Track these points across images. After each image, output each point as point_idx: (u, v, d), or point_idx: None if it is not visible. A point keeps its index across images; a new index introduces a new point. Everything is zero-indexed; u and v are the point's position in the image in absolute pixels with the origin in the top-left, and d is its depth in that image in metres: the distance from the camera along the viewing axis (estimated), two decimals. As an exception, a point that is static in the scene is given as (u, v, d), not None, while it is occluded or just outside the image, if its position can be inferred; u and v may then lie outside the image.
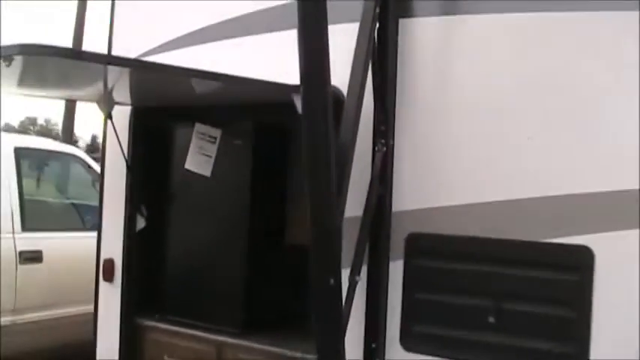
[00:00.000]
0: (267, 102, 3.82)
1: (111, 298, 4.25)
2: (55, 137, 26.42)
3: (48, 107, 64.20)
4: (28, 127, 45.90)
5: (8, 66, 2.53)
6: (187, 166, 4.09)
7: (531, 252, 3.00)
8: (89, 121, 44.09)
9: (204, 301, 4.06)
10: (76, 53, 2.90)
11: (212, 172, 4.00)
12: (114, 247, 4.25)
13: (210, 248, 4.06)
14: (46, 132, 41.10)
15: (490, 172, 3.11)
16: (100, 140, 4.67)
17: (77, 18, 20.89)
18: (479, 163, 3.13)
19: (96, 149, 24.80)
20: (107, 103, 3.91)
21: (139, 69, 3.24)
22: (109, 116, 3.94)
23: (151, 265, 4.22)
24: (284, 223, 4.14)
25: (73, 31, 20.07)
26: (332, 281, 2.89)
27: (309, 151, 2.83)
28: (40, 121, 49.94)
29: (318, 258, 2.92)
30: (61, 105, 26.41)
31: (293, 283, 4.29)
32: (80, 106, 21.58)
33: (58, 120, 44.68)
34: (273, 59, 3.68)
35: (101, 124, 4.28)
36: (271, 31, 3.75)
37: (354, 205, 3.22)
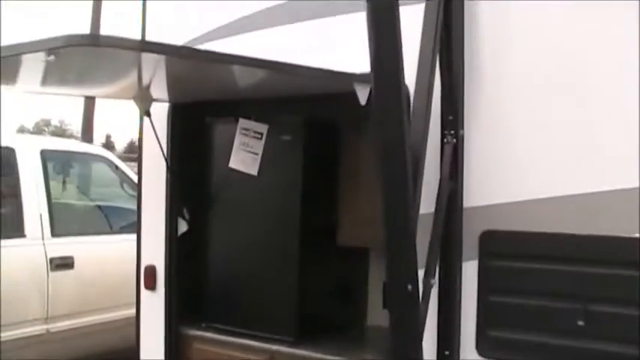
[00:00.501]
0: (317, 94, 3.57)
1: (153, 306, 4.01)
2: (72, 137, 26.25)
3: (61, 107, 63.66)
4: (42, 128, 45.79)
5: (52, 60, 2.29)
6: (232, 164, 3.84)
7: (623, 249, 2.73)
8: (110, 119, 44.04)
9: (253, 308, 3.82)
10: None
11: (259, 171, 3.75)
12: (155, 253, 4.01)
13: (258, 252, 3.80)
14: (60, 133, 40.96)
15: (571, 162, 2.85)
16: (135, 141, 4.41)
17: (93, 18, 20.68)
18: (558, 153, 2.87)
19: (132, 150, 24.57)
20: (145, 100, 3.66)
21: (182, 57, 2.95)
22: (147, 114, 3.69)
23: (194, 271, 3.98)
24: (335, 224, 3.88)
25: (90, 30, 19.83)
26: (409, 287, 2.64)
27: (384, 147, 2.58)
28: (54, 122, 49.84)
29: (394, 262, 2.67)
30: (76, 104, 26.24)
31: (345, 288, 4.06)
32: (100, 105, 21.34)
33: (71, 120, 44.76)
34: (324, 46, 3.43)
35: (135, 124, 4.04)
36: (320, 17, 3.50)
37: (423, 202, 2.97)
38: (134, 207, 6.06)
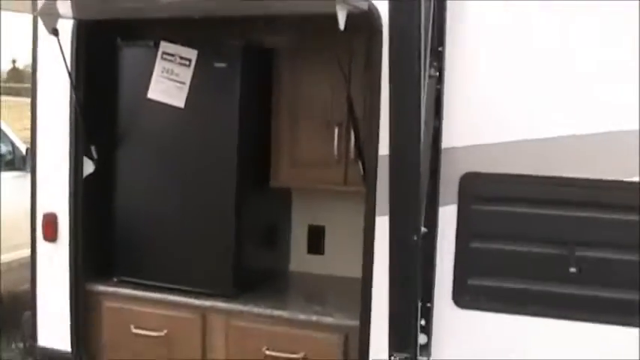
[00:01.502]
0: (253, 16, 3.15)
1: (54, 260, 3.42)
2: None
3: None
4: None
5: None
6: (151, 95, 3.30)
7: (614, 192, 2.62)
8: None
9: (178, 260, 3.36)
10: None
11: (185, 103, 3.25)
12: (54, 199, 3.40)
13: (183, 196, 3.33)
14: None
15: (555, 104, 2.67)
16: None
17: None
18: (551, 91, 2.68)
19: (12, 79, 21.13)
20: (51, 14, 3.01)
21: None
22: (54, 31, 3.04)
23: (103, 219, 3.43)
24: (271, 163, 3.49)
25: None
26: (415, 237, 2.35)
27: (397, 82, 2.24)
28: None
29: (400, 212, 2.36)
30: None
31: (272, 233, 3.72)
32: None
33: None
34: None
35: (26, 45, 3.35)
36: None
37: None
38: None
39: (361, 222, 3.52)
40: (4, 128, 5.39)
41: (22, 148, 5.36)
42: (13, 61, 22.89)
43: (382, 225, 2.86)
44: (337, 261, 3.76)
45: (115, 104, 3.39)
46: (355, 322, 2.99)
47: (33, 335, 3.50)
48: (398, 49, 2.27)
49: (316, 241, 3.81)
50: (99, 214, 3.44)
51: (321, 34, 3.25)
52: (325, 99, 3.34)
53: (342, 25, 2.63)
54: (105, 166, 3.42)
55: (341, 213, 3.74)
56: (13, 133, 5.38)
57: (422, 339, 2.77)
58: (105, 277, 3.47)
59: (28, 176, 5.29)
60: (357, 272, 3.57)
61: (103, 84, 3.39)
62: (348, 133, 3.30)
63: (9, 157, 5.31)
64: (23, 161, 5.31)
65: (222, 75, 3.20)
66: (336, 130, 3.31)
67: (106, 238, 3.45)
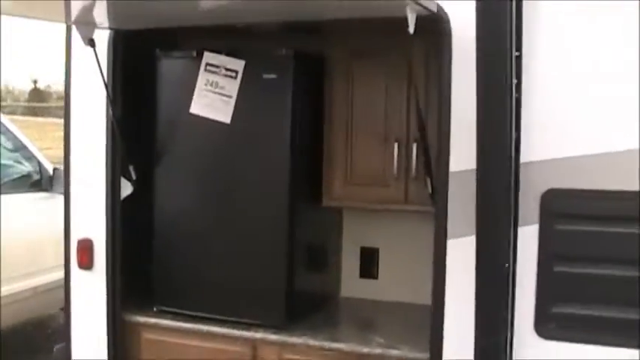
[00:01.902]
0: (303, 23, 2.90)
1: (89, 289, 3.16)
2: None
3: None
4: None
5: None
6: (194, 110, 3.05)
7: None
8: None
9: (224, 288, 3.09)
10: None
11: (232, 117, 3.00)
12: (91, 224, 3.15)
13: (230, 218, 3.06)
14: None
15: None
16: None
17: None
18: (632, 101, 2.40)
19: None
20: (87, 24, 2.78)
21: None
22: (90, 42, 2.81)
23: (143, 245, 3.18)
24: (320, 181, 3.23)
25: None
26: (506, 265, 2.08)
27: (486, 86, 1.98)
28: None
29: (491, 238, 2.09)
30: None
31: (323, 255, 3.45)
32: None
33: None
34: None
35: (62, 56, 3.12)
36: None
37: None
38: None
39: (419, 244, 3.33)
40: (31, 147, 5.16)
41: (49, 167, 5.14)
42: (35, 82, 22.81)
43: (455, 249, 2.61)
44: (392, 286, 3.49)
45: (153, 120, 3.14)
46: (424, 355, 2.72)
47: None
48: (487, 54, 2.03)
49: (369, 264, 3.54)
50: (137, 238, 3.18)
51: (378, 40, 3.05)
52: (382, 111, 3.10)
53: (411, 29, 2.37)
54: (143, 186, 3.17)
55: (396, 234, 3.47)
56: (40, 152, 5.16)
57: (502, 374, 2.50)
58: (144, 306, 3.21)
59: (56, 197, 5.15)
60: (413, 298, 3.33)
61: (140, 98, 3.16)
62: (408, 149, 3.05)
63: (35, 177, 5.08)
64: (50, 182, 5.08)
65: (271, 87, 2.95)
66: (396, 146, 3.05)
67: (144, 265, 3.19)
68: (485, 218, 2.13)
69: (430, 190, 2.76)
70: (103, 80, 2.92)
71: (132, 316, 3.19)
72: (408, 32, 3.02)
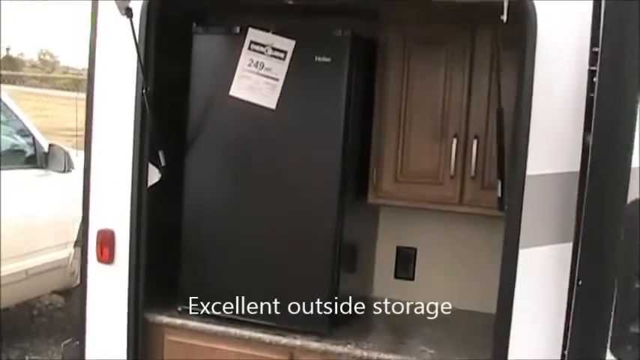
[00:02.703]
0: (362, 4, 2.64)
1: (109, 286, 2.87)
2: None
3: None
4: None
5: None
6: (234, 92, 2.77)
7: None
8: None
9: (259, 289, 2.81)
10: None
11: (278, 103, 2.72)
12: (111, 213, 2.85)
13: (270, 214, 2.79)
14: None
15: None
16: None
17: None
18: None
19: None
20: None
21: None
22: (127, 12, 2.50)
23: (169, 238, 2.90)
24: (366, 176, 2.98)
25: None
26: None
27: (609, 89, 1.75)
28: None
29: (596, 246, 1.87)
30: None
31: (357, 254, 3.21)
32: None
33: None
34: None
35: (87, 27, 2.80)
36: None
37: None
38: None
39: (457, 244, 3.21)
40: (24, 120, 4.79)
41: (44, 144, 4.78)
42: (7, 49, 22.10)
43: (527, 259, 2.39)
44: (427, 288, 3.27)
45: (186, 102, 2.84)
46: (482, 369, 2.51)
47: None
48: (613, 50, 1.79)
49: (405, 264, 3.31)
50: (162, 231, 2.90)
51: (438, 27, 2.82)
52: (439, 104, 2.85)
53: (505, 17, 2.13)
54: (172, 175, 2.88)
55: (435, 234, 3.25)
56: (34, 126, 4.79)
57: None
58: (167, 306, 2.94)
59: (51, 175, 4.82)
60: (449, 302, 3.11)
61: (173, 77, 2.85)
62: (467, 146, 2.82)
63: (30, 152, 4.72)
64: (45, 158, 4.72)
65: (325, 71, 2.67)
66: (455, 142, 2.81)
67: (169, 261, 2.91)
68: (591, 225, 1.92)
69: (500, 194, 2.53)
70: (138, 55, 2.62)
71: (155, 315, 2.90)
72: (469, 21, 2.80)
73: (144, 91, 2.69)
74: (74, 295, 5.00)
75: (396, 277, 3.33)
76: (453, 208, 2.89)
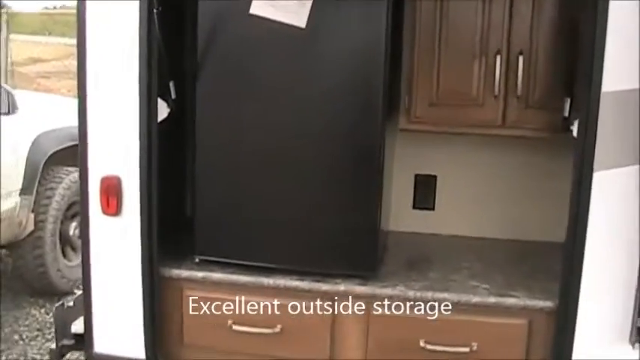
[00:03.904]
0: None
1: (117, 240, 2.50)
2: None
3: None
4: None
5: None
6: (255, 10, 2.39)
7: None
8: None
9: (290, 231, 2.52)
10: None
11: (308, 21, 2.38)
12: (115, 158, 2.45)
13: (303, 145, 2.47)
14: None
15: None
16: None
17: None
18: None
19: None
20: None
21: None
22: None
23: (180, 181, 2.54)
24: (398, 99, 2.71)
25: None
26: None
27: None
28: None
29: None
30: None
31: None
32: None
33: None
34: None
35: None
36: None
37: None
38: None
39: (482, 171, 3.03)
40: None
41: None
42: None
43: (602, 181, 2.22)
44: (448, 218, 3.08)
45: (194, 20, 2.45)
46: (549, 304, 2.36)
47: (87, 337, 2.60)
48: None
49: (424, 193, 3.09)
50: (173, 171, 2.54)
51: None
52: (479, 19, 2.60)
53: None
54: (182, 108, 2.51)
55: (454, 160, 3.04)
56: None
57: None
58: (182, 257, 2.61)
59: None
60: (473, 231, 3.03)
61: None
62: (508, 63, 2.59)
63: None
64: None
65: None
66: (498, 59, 2.57)
67: (182, 204, 2.57)
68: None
69: (567, 113, 2.33)
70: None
71: (171, 270, 2.57)
72: None
73: (156, 10, 2.28)
74: (23, 247, 4.54)
75: (414, 207, 3.11)
76: (495, 131, 2.67)
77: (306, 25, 2.37)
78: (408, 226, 3.10)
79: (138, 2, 2.31)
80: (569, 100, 2.31)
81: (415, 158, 3.06)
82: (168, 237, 2.58)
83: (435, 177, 3.08)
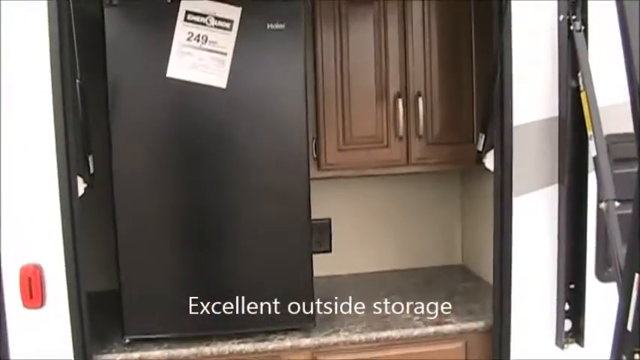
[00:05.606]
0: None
1: (41, 334, 2.24)
2: None
3: None
4: None
5: None
6: (172, 73, 2.31)
7: None
8: None
9: (228, 292, 2.43)
10: None
11: (228, 81, 2.34)
12: (38, 243, 2.21)
13: (231, 205, 2.42)
14: None
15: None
16: None
17: None
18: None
19: None
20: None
21: None
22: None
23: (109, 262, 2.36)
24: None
25: None
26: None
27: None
28: None
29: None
30: None
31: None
32: None
33: None
34: None
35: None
36: None
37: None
38: None
39: (372, 212, 3.19)
40: None
41: None
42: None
43: (520, 206, 2.44)
44: (346, 258, 3.17)
45: (115, 89, 2.30)
46: (476, 325, 2.55)
47: None
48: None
49: (320, 238, 3.13)
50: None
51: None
52: (378, 63, 2.74)
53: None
54: (104, 183, 2.34)
55: (347, 202, 3.15)
56: None
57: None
58: (111, 335, 2.42)
59: None
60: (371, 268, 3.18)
61: (95, 61, 2.29)
62: (408, 106, 2.75)
63: None
64: None
65: (279, 40, 2.36)
66: (400, 102, 2.72)
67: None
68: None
69: (481, 148, 2.52)
70: (71, 33, 2.03)
71: (104, 356, 2.36)
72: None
73: (78, 80, 2.12)
74: None
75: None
76: (400, 170, 2.81)
77: (226, 85, 2.34)
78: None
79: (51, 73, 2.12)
80: (483, 136, 2.51)
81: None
82: (92, 316, 2.38)
83: (329, 220, 3.15)
